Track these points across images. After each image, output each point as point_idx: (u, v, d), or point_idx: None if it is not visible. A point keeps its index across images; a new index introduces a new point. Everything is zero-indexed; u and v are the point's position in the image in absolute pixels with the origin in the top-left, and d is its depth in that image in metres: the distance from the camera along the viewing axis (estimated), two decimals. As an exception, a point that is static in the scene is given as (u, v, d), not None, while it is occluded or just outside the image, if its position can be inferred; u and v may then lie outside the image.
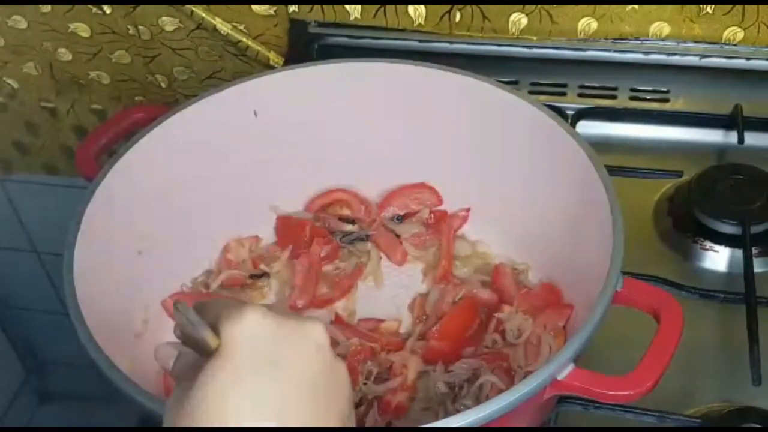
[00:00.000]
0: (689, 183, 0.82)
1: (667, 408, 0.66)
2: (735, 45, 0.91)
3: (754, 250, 0.77)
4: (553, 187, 0.73)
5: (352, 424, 0.44)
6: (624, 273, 0.59)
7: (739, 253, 0.77)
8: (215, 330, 0.41)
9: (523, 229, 0.78)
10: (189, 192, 0.76)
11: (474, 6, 0.93)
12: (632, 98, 0.94)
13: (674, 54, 0.93)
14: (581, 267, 0.66)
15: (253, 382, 0.39)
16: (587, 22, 0.92)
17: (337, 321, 0.77)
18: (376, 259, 0.82)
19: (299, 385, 0.40)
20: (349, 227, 0.83)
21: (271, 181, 0.82)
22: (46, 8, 1.04)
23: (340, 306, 0.79)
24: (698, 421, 0.66)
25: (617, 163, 0.82)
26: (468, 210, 0.83)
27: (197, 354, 0.42)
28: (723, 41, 0.91)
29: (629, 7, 0.90)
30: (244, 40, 1.01)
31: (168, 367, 0.44)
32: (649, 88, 0.94)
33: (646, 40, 0.92)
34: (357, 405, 0.68)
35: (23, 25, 1.07)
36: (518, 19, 0.93)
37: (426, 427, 0.51)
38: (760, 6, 0.87)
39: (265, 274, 0.80)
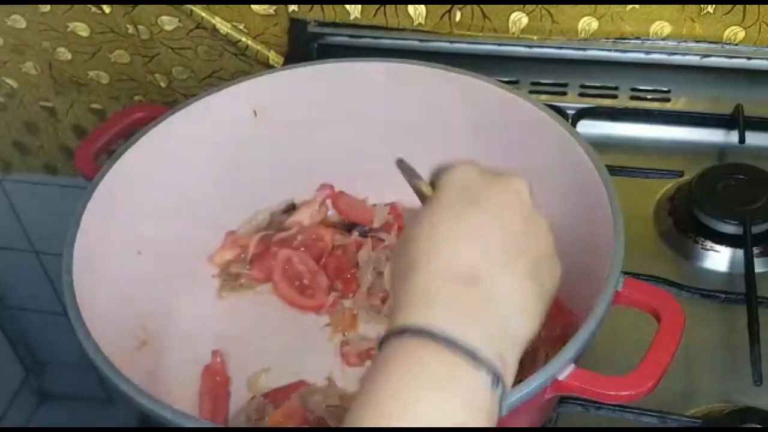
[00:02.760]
0: (690, 183, 0.82)
1: (668, 408, 0.66)
2: (736, 44, 0.91)
3: (755, 250, 0.76)
4: (554, 186, 0.72)
5: (542, 278, 0.48)
6: (624, 273, 0.59)
7: (740, 253, 0.77)
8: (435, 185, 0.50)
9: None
10: (189, 192, 0.76)
11: (474, 5, 0.93)
12: (633, 98, 0.94)
13: (675, 53, 0.92)
14: (581, 267, 0.66)
15: (456, 215, 0.46)
16: (588, 22, 0.92)
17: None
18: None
19: (492, 221, 0.46)
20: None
21: (271, 181, 0.82)
22: (45, 8, 1.04)
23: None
24: (699, 421, 0.66)
25: (618, 163, 0.82)
26: (468, 210, 0.83)
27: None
28: (724, 41, 0.91)
29: (630, 6, 0.90)
30: (244, 39, 1.01)
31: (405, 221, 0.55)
32: (650, 88, 0.94)
33: (647, 39, 0.92)
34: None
35: (22, 24, 1.07)
36: (519, 18, 0.93)
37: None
38: (761, 6, 0.87)
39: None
